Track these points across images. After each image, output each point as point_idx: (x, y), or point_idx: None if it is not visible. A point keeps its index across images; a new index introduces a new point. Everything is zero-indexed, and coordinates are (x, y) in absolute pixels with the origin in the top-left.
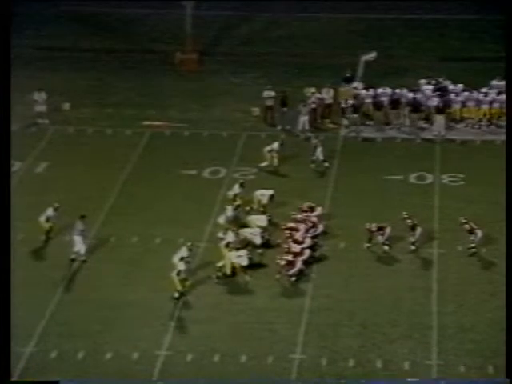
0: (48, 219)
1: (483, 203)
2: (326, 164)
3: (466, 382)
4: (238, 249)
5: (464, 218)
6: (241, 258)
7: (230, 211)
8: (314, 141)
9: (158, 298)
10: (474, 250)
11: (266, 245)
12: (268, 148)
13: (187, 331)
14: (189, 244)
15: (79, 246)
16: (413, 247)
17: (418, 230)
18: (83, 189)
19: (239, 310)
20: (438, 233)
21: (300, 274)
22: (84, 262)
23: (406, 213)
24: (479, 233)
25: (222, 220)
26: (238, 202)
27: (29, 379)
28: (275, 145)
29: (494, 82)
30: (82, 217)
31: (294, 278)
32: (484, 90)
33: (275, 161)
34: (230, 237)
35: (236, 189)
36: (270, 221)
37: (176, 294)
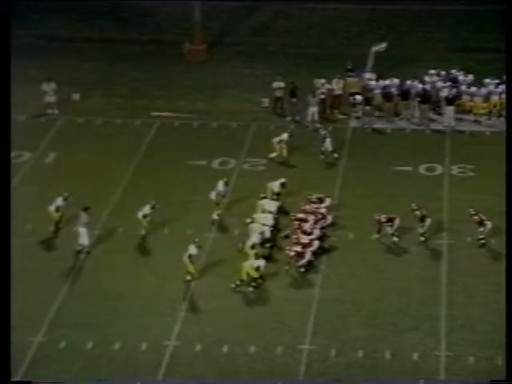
0: (57, 209)
1: (492, 194)
2: (335, 155)
3: (465, 383)
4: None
5: (473, 210)
6: (258, 262)
7: (220, 186)
8: (322, 132)
9: (167, 289)
10: (483, 241)
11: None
12: (277, 139)
13: (196, 321)
14: (153, 203)
15: (84, 238)
16: (422, 238)
17: (428, 221)
18: (92, 179)
19: (248, 301)
20: (448, 224)
21: (309, 265)
22: (88, 253)
23: (416, 204)
24: (488, 224)
25: (212, 196)
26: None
27: (36, 371)
28: (284, 136)
29: None
30: (86, 208)
31: (303, 269)
32: (496, 80)
33: (284, 152)
34: (256, 238)
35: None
36: (276, 219)
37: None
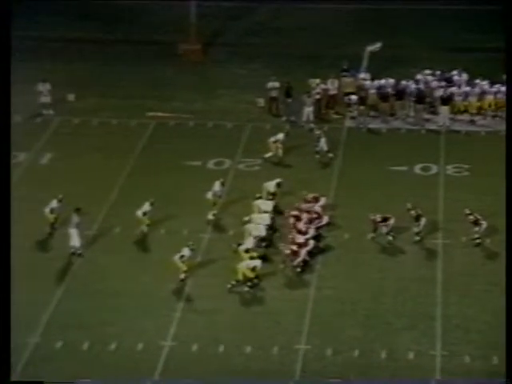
0: (52, 211)
1: (488, 194)
2: (331, 155)
3: (465, 382)
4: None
5: (468, 209)
6: (254, 262)
7: (217, 186)
8: (317, 132)
9: (163, 289)
10: (478, 240)
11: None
12: (273, 139)
13: (192, 322)
14: (151, 200)
15: (75, 239)
16: (417, 238)
17: (423, 221)
18: (88, 180)
19: (244, 301)
20: (443, 223)
21: (305, 265)
22: (80, 255)
23: (411, 203)
24: (483, 224)
25: (209, 196)
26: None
27: (33, 371)
28: (280, 136)
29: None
30: (78, 209)
31: (298, 269)
32: (486, 81)
33: (280, 152)
34: (250, 243)
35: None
36: (273, 219)
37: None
